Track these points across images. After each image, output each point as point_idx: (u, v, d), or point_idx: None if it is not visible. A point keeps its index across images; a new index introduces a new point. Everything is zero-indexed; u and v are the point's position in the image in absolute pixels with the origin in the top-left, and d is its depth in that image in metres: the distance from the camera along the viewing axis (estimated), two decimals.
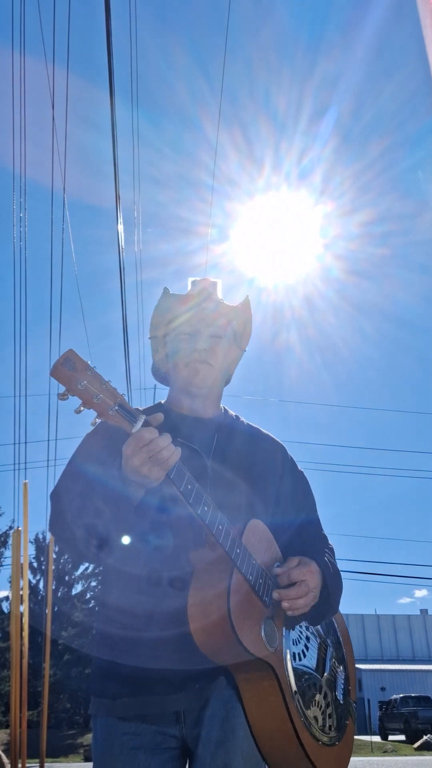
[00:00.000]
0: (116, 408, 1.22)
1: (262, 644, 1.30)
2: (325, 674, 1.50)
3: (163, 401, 1.69)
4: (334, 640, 1.60)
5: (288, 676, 1.36)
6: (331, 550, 1.63)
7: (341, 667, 1.58)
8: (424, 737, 20.10)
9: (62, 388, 1.20)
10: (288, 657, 1.38)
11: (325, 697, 1.47)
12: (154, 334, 1.67)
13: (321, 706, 1.44)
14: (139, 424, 1.25)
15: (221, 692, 1.36)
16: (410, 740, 21.60)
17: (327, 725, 1.44)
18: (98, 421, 1.23)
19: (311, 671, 1.45)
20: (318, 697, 1.44)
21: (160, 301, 1.65)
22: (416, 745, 20.08)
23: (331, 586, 1.46)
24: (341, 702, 1.53)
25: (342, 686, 1.55)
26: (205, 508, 1.29)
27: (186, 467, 1.30)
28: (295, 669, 1.39)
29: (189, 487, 1.28)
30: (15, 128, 7.09)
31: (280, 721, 1.32)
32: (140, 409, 1.61)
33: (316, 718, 1.41)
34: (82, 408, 1.22)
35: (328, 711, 1.46)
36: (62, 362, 1.19)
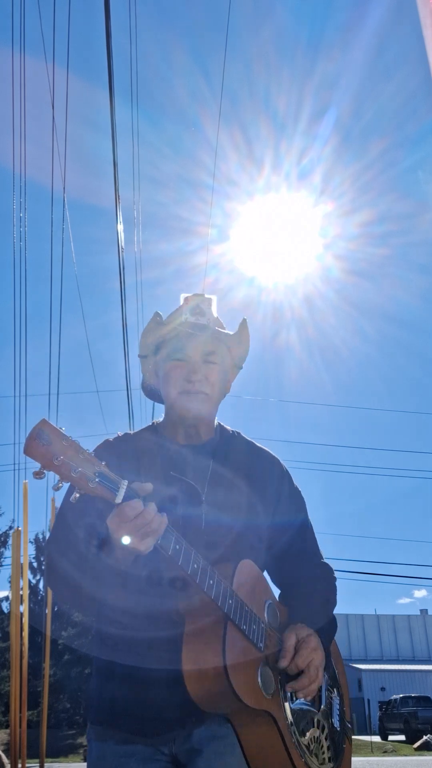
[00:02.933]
0: (97, 480, 1.15)
1: (260, 693, 1.30)
2: (322, 707, 1.50)
3: (157, 422, 1.64)
4: (327, 664, 1.57)
5: (287, 719, 1.37)
6: (329, 571, 1.62)
7: (335, 691, 1.57)
8: (424, 737, 20.10)
9: (37, 465, 1.11)
10: (286, 701, 1.39)
11: (323, 730, 1.48)
12: (143, 352, 1.60)
13: (320, 741, 1.45)
14: (122, 493, 1.18)
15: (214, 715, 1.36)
16: (410, 740, 21.58)
17: (326, 758, 1.45)
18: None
19: (309, 707, 1.46)
20: (317, 732, 1.45)
21: (150, 323, 1.58)
22: (416, 745, 20.08)
23: (327, 643, 1.48)
24: (338, 729, 1.53)
25: (338, 712, 1.55)
26: (195, 566, 1.26)
27: (172, 529, 1.25)
28: (293, 710, 1.40)
29: (177, 547, 1.25)
30: (15, 128, 7.09)
31: (281, 763, 1.33)
32: (131, 432, 1.59)
33: (316, 754, 1.42)
34: (60, 484, 1.14)
35: (327, 743, 1.47)
36: (35, 436, 1.10)
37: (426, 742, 19.70)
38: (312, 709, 1.47)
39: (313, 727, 1.45)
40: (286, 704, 1.38)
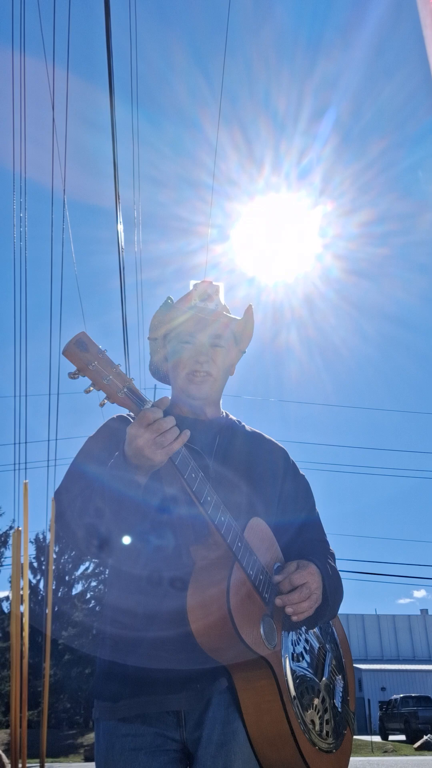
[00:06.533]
0: (125, 390, 1.25)
1: (261, 642, 1.29)
2: (324, 679, 1.48)
3: None
4: (333, 647, 1.58)
5: (286, 676, 1.35)
6: (332, 554, 1.62)
7: (340, 676, 1.56)
8: (424, 737, 20.08)
9: (73, 368, 1.23)
10: (287, 657, 1.37)
11: (323, 701, 1.45)
12: (153, 335, 1.67)
13: (319, 711, 1.42)
14: (147, 407, 1.27)
15: (222, 695, 1.36)
16: (410, 740, 21.58)
17: (324, 731, 1.42)
18: (106, 402, 1.26)
19: (310, 674, 1.44)
20: (316, 701, 1.42)
21: (162, 306, 1.64)
22: (416, 745, 20.06)
23: (329, 587, 1.45)
24: (339, 710, 1.51)
25: (340, 694, 1.53)
26: (209, 499, 1.30)
27: (191, 457, 1.31)
28: (293, 670, 1.38)
29: (193, 475, 1.29)
30: (15, 128, 7.09)
31: (278, 721, 1.31)
32: None
33: (313, 722, 1.39)
34: (91, 388, 1.24)
35: (326, 717, 1.44)
36: (75, 342, 1.22)
37: (426, 742, 19.68)
38: (314, 677, 1.45)
39: (314, 695, 1.42)
40: (287, 662, 1.37)
